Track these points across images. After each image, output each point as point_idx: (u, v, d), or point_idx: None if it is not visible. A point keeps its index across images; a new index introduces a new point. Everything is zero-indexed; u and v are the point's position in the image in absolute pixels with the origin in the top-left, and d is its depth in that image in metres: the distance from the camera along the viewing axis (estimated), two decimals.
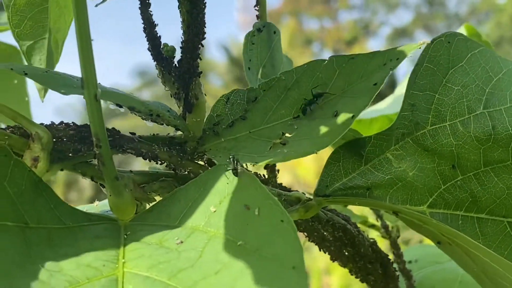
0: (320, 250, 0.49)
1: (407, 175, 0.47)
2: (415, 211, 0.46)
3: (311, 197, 0.47)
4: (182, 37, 0.42)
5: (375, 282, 0.49)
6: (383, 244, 0.58)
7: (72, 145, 0.40)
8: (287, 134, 0.39)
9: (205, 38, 0.42)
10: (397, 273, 0.51)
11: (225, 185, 0.37)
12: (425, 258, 0.64)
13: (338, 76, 0.41)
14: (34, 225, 0.35)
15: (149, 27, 0.42)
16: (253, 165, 0.39)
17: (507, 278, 0.40)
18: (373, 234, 0.60)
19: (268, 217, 0.34)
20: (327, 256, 0.49)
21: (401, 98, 0.47)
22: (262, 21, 0.49)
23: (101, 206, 0.48)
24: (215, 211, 0.36)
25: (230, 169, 0.36)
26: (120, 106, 0.40)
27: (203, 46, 0.42)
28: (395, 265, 0.54)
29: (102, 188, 0.42)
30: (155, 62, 0.43)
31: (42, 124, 0.40)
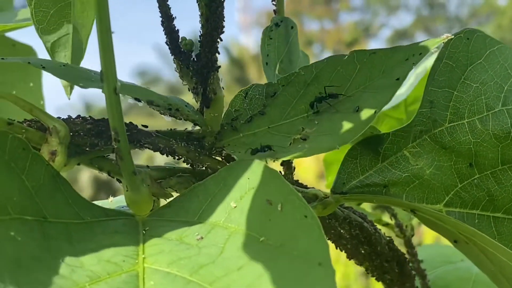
0: (336, 248, 0.48)
1: (424, 173, 0.47)
2: (432, 210, 0.45)
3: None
4: (201, 30, 0.42)
5: (391, 281, 0.49)
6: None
7: (89, 139, 0.40)
8: (307, 130, 0.39)
9: (223, 32, 0.41)
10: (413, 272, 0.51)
11: (246, 180, 0.36)
12: (437, 257, 0.64)
13: (358, 71, 0.40)
14: (52, 220, 0.35)
15: (167, 20, 0.41)
16: (274, 161, 0.38)
17: None
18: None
19: (291, 212, 0.33)
20: None
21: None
22: (280, 15, 0.49)
23: (115, 202, 0.48)
24: (235, 207, 0.35)
25: (251, 164, 0.36)
26: (139, 100, 0.39)
27: (221, 40, 0.42)
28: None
29: (118, 183, 0.42)
30: (173, 56, 0.42)
31: (59, 118, 0.39)
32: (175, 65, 0.43)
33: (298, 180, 0.48)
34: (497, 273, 0.45)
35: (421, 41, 0.39)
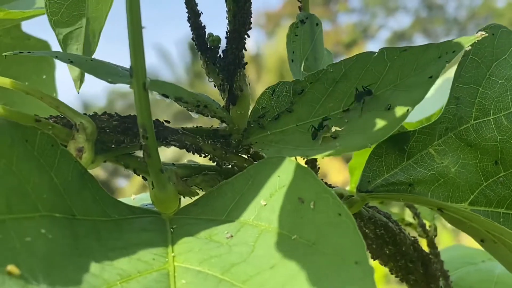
0: None
1: (449, 171, 0.46)
2: (459, 208, 0.45)
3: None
4: (228, 26, 0.41)
5: (416, 282, 0.48)
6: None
7: (115, 136, 0.39)
8: (337, 128, 0.38)
9: (251, 28, 0.41)
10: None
11: (276, 178, 0.36)
12: (458, 259, 0.63)
13: (389, 69, 0.40)
14: (81, 217, 0.34)
15: (194, 16, 0.41)
16: (304, 159, 0.38)
17: None
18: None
19: (324, 210, 0.32)
20: None
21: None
22: (305, 12, 0.48)
23: (138, 200, 0.48)
24: (265, 205, 0.35)
25: (282, 162, 0.35)
26: (167, 97, 0.39)
27: (249, 36, 0.41)
28: None
29: (144, 181, 0.41)
30: (199, 52, 0.42)
31: (85, 114, 0.39)
32: (201, 62, 0.42)
33: (322, 179, 0.48)
34: None
35: (455, 39, 0.38)
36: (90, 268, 0.31)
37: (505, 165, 0.46)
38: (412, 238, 0.49)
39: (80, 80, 0.51)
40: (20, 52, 0.41)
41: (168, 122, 0.41)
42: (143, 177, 0.41)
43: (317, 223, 0.32)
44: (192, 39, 0.42)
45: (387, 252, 0.48)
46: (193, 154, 0.41)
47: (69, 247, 0.32)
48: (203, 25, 0.42)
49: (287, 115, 0.42)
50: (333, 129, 0.38)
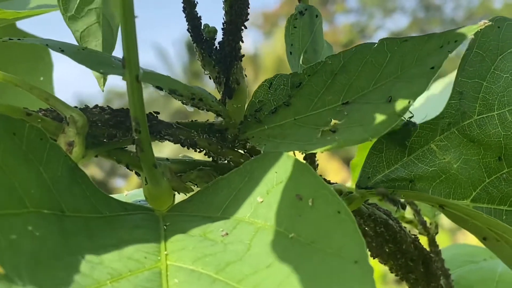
0: None
1: (451, 168, 0.45)
2: (461, 205, 0.44)
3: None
4: (224, 18, 0.40)
5: (416, 281, 0.47)
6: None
7: (107, 130, 0.38)
8: (336, 121, 0.37)
9: (248, 19, 0.40)
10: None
11: (273, 174, 0.34)
12: (459, 257, 0.62)
13: (389, 60, 0.39)
14: (70, 214, 0.33)
15: (189, 7, 0.40)
16: (302, 154, 0.36)
17: None
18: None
19: (323, 208, 0.31)
20: None
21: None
22: (304, 3, 0.47)
23: (131, 196, 0.46)
24: (262, 202, 0.34)
25: (279, 157, 0.34)
26: (161, 89, 0.37)
27: (246, 27, 0.40)
28: None
29: (137, 176, 0.40)
30: (194, 44, 0.41)
31: (76, 107, 0.38)
32: (197, 54, 0.41)
33: (321, 175, 0.47)
34: None
35: (457, 28, 0.37)
36: (79, 266, 0.30)
37: (508, 161, 0.45)
38: (413, 236, 0.47)
39: (103, 78, 0.49)
40: (10, 39, 0.39)
41: (157, 113, 0.40)
42: (136, 173, 0.40)
43: (315, 221, 0.31)
44: (187, 30, 0.40)
45: (387, 250, 0.46)
46: (188, 149, 0.40)
47: (57, 245, 0.31)
48: (199, 15, 0.40)
49: (285, 108, 0.40)
50: (332, 122, 0.37)
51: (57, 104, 0.36)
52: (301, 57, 0.46)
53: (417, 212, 0.55)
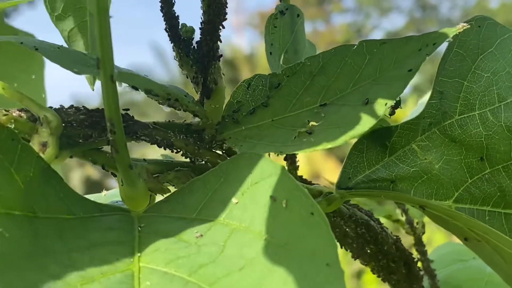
0: (341, 247, 0.46)
1: (433, 168, 0.45)
2: (442, 206, 0.44)
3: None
4: (202, 17, 0.39)
5: (398, 282, 0.47)
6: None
7: (82, 131, 0.38)
8: (313, 123, 0.37)
9: (226, 19, 0.39)
10: (421, 272, 0.49)
11: (248, 175, 0.34)
12: (449, 255, 0.62)
13: (368, 62, 0.38)
14: (43, 215, 0.33)
15: (167, 6, 0.39)
16: (277, 155, 0.36)
17: None
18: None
19: (297, 209, 0.31)
20: None
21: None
22: (285, 3, 0.47)
23: (109, 196, 0.46)
24: (237, 203, 0.34)
25: (254, 158, 0.34)
26: (136, 89, 0.37)
27: (224, 27, 0.39)
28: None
29: (113, 177, 0.40)
30: (172, 44, 0.40)
31: (51, 107, 0.37)
32: (174, 54, 0.41)
33: (302, 176, 0.47)
34: (510, 272, 0.44)
35: (436, 31, 0.37)
36: (50, 269, 0.30)
37: (490, 161, 0.44)
38: (395, 237, 0.47)
39: (93, 77, 0.48)
40: None
41: (127, 109, 0.39)
42: (112, 173, 0.40)
43: (289, 222, 0.31)
44: (165, 29, 0.40)
45: (369, 251, 0.46)
46: (165, 149, 0.40)
47: (28, 247, 0.30)
48: (176, 15, 0.40)
49: (263, 109, 0.40)
50: (310, 124, 0.37)
51: (30, 104, 0.36)
52: (282, 57, 0.45)
53: (404, 211, 0.55)
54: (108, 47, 0.32)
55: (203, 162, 0.40)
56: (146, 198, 0.38)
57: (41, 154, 0.35)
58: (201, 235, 0.33)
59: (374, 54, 0.38)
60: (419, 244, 0.54)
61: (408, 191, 0.45)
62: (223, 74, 0.41)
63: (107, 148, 0.39)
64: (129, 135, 0.38)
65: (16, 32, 0.69)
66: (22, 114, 0.37)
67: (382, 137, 0.44)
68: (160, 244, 0.33)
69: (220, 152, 0.41)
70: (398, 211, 0.58)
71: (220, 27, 0.39)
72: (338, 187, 0.43)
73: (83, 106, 0.38)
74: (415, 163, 0.44)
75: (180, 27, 0.40)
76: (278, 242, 0.30)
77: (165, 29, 0.40)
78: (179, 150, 0.40)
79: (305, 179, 0.46)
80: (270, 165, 0.34)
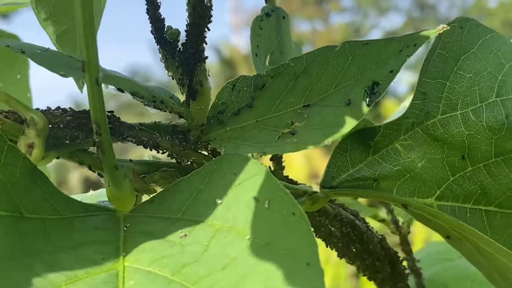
0: (327, 247, 0.47)
1: (415, 166, 0.45)
2: (423, 204, 0.44)
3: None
4: (187, 19, 0.40)
5: (383, 281, 0.47)
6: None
7: (69, 132, 0.38)
8: (296, 124, 0.37)
9: (211, 21, 0.40)
10: (407, 271, 0.49)
11: (232, 176, 0.35)
12: (435, 254, 0.62)
13: (350, 63, 0.39)
14: (28, 215, 0.33)
15: (153, 8, 0.40)
16: (261, 156, 0.37)
17: None
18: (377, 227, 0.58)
19: (279, 209, 0.32)
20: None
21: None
22: (271, 5, 0.47)
23: (96, 196, 0.46)
24: (221, 203, 0.34)
25: (237, 159, 0.34)
26: (122, 91, 0.37)
27: (209, 29, 0.40)
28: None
29: (100, 178, 0.40)
30: (158, 46, 0.41)
31: (37, 109, 0.38)
32: (160, 55, 0.41)
33: (288, 176, 0.47)
34: (491, 270, 0.44)
35: (416, 32, 0.37)
36: (35, 269, 0.30)
37: (472, 160, 0.45)
38: (380, 236, 0.48)
39: (81, 80, 0.49)
40: None
41: (111, 111, 0.40)
42: (99, 174, 0.40)
43: (271, 222, 0.32)
44: (151, 32, 0.41)
45: (354, 250, 0.47)
46: (151, 150, 0.40)
47: (13, 246, 0.31)
48: (162, 17, 0.40)
49: (248, 110, 0.41)
50: (293, 125, 0.37)
51: (17, 105, 0.36)
52: (268, 58, 0.46)
53: (390, 211, 0.55)
54: (93, 50, 0.33)
55: (189, 162, 0.41)
56: (132, 199, 0.38)
57: (27, 155, 0.35)
58: (185, 235, 0.33)
59: (357, 55, 0.39)
60: (405, 244, 0.55)
61: (391, 190, 0.45)
62: (208, 75, 0.41)
63: (94, 149, 0.39)
64: (115, 136, 0.39)
65: (1, 33, 0.69)
66: (9, 116, 0.37)
67: (366, 137, 0.45)
68: (145, 244, 0.33)
69: (205, 153, 0.42)
70: (385, 211, 0.58)
71: (206, 29, 0.40)
72: (322, 187, 0.44)
73: (69, 108, 0.39)
74: (398, 162, 0.45)
75: (165, 30, 0.40)
76: (260, 241, 0.31)
77: (151, 31, 0.41)
78: (165, 151, 0.40)
79: (291, 179, 0.47)
80: (254, 166, 0.34)
